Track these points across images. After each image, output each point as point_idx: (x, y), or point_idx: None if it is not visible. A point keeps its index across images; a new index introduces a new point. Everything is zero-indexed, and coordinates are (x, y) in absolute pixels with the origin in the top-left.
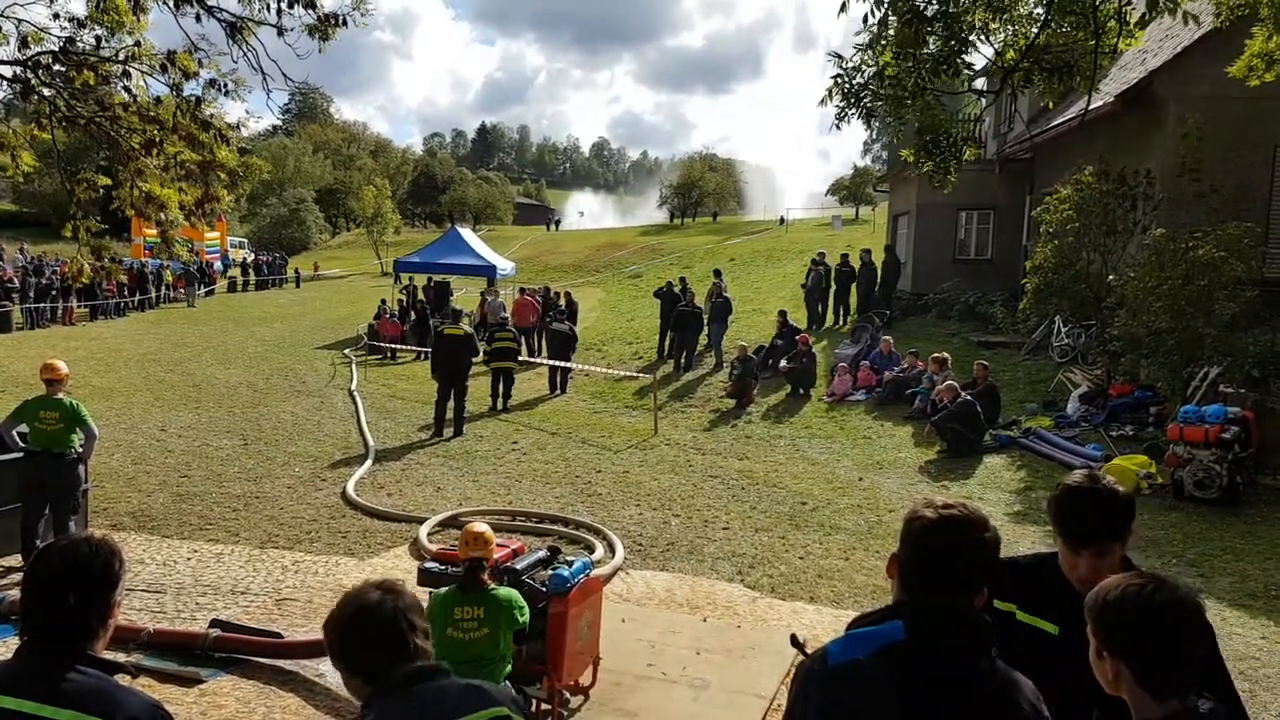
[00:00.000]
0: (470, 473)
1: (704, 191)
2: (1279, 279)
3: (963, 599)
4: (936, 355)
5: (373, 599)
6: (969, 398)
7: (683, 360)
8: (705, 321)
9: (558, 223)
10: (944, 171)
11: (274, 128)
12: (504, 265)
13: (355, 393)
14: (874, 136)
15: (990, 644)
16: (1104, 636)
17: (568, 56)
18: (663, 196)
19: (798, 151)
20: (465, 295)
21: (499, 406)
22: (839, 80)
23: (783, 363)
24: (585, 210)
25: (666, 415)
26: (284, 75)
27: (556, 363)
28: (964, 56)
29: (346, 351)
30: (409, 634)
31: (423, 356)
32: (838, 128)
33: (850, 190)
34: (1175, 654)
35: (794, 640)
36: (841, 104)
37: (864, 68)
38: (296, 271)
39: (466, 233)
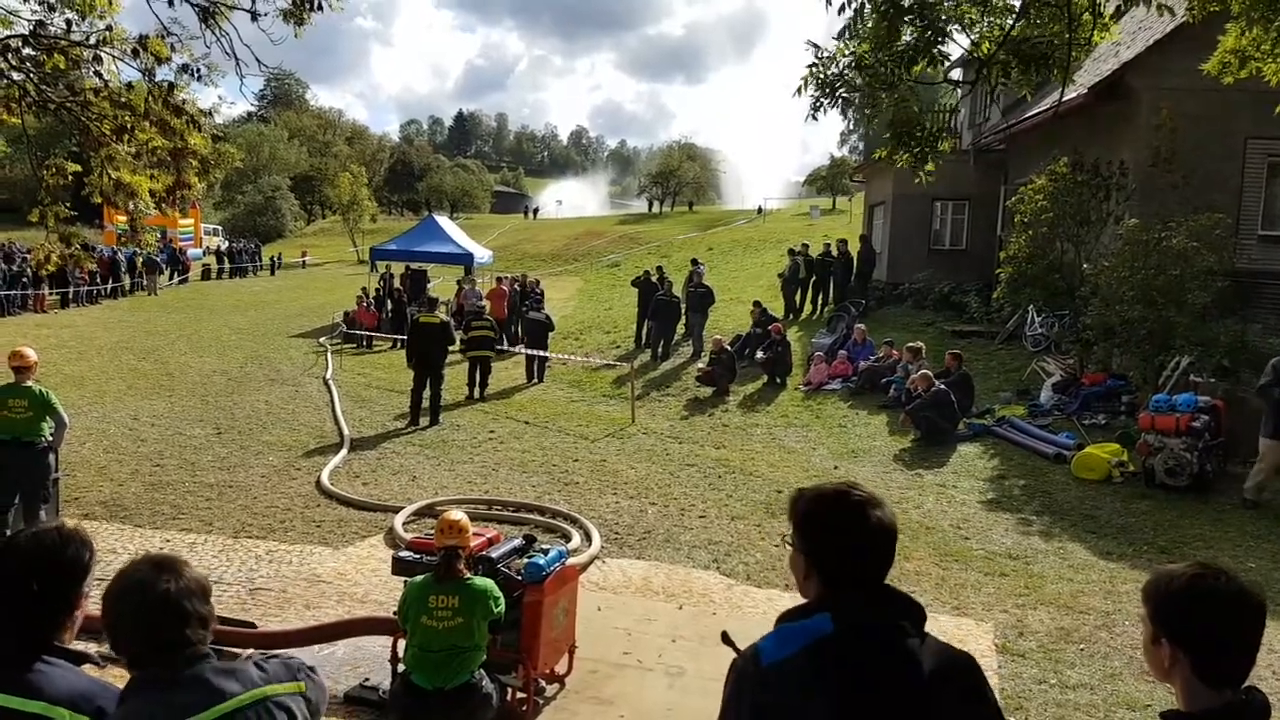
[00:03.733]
0: (446, 462)
1: (682, 181)
2: (1250, 269)
3: (877, 580)
4: (911, 344)
5: (142, 576)
6: (943, 387)
7: (660, 350)
8: (683, 310)
9: (535, 211)
10: (920, 162)
11: (248, 114)
12: (481, 254)
13: (330, 381)
14: (850, 127)
15: (920, 621)
16: (1163, 625)
17: (548, 43)
18: (641, 186)
19: (776, 142)
20: (442, 284)
21: (475, 395)
22: (814, 70)
23: (758, 354)
24: (563, 199)
25: (644, 404)
26: (258, 61)
27: (533, 351)
28: (940, 47)
29: (322, 340)
30: (181, 620)
31: (399, 345)
32: (814, 118)
33: (827, 180)
34: (1237, 646)
35: (725, 638)
36: (816, 94)
37: (840, 57)
38: (272, 259)
39: (444, 221)
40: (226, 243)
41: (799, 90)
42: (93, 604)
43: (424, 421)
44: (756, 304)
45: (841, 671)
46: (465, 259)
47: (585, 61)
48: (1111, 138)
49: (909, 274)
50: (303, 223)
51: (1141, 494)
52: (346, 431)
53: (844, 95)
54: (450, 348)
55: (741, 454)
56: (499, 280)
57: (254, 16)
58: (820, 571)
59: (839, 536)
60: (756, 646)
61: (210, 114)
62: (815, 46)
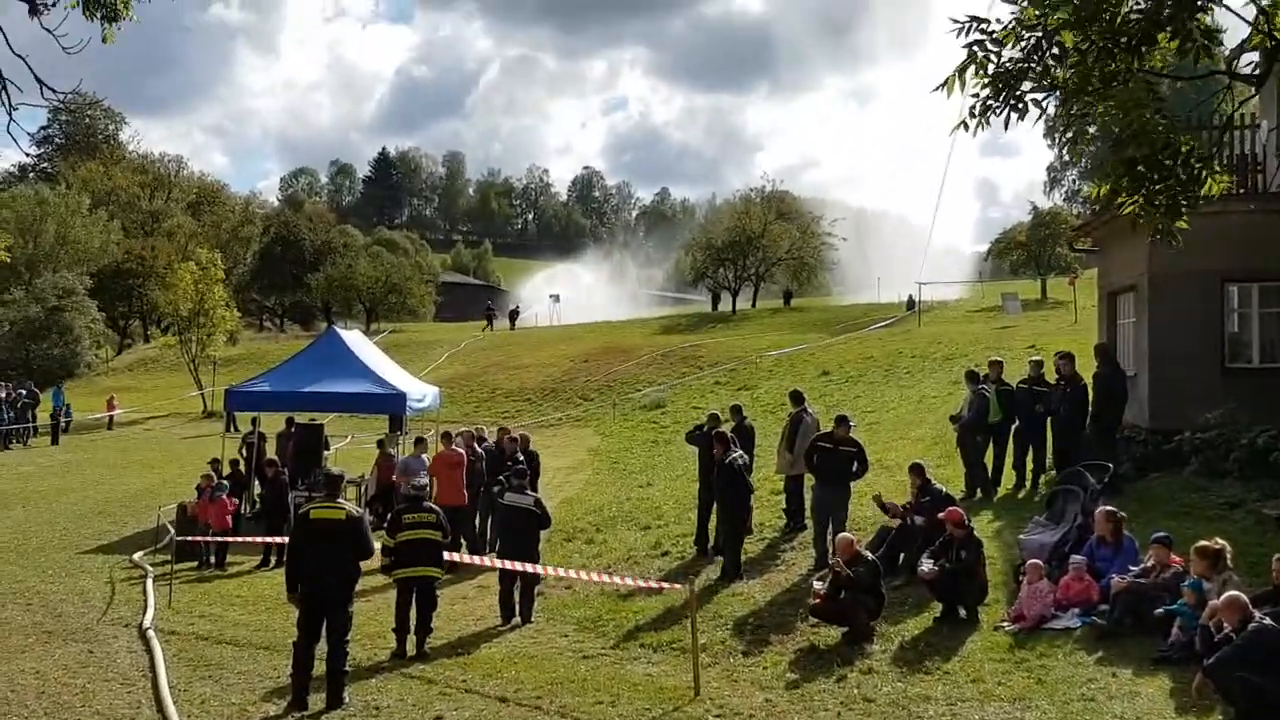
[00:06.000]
0: None
1: (771, 255)
2: None
3: None
4: (1205, 544)
5: None
6: (1270, 622)
7: (729, 556)
8: (746, 481)
9: (514, 315)
10: (1167, 213)
11: (20, 168)
12: (419, 393)
13: (151, 632)
14: (1064, 155)
15: None
16: None
17: (533, 36)
18: (698, 265)
19: (935, 186)
20: (351, 447)
21: (410, 650)
22: (976, 54)
23: (924, 563)
24: (563, 291)
25: (718, 660)
26: (39, 82)
27: (514, 564)
28: (1200, 17)
29: (137, 556)
30: None
31: (274, 560)
32: (966, 127)
33: (1029, 250)
34: None
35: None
36: (983, 92)
37: (1020, 33)
38: (58, 418)
39: (353, 338)
40: None
41: (949, 83)
42: None
43: (317, 703)
44: (917, 469)
45: None
46: (392, 403)
47: (597, 63)
48: None
49: (1191, 413)
50: (111, 350)
51: None
52: None
53: (1032, 95)
54: (365, 562)
55: None
56: (449, 438)
57: (34, 9)
58: None
59: None
60: None
61: None
62: (976, 20)
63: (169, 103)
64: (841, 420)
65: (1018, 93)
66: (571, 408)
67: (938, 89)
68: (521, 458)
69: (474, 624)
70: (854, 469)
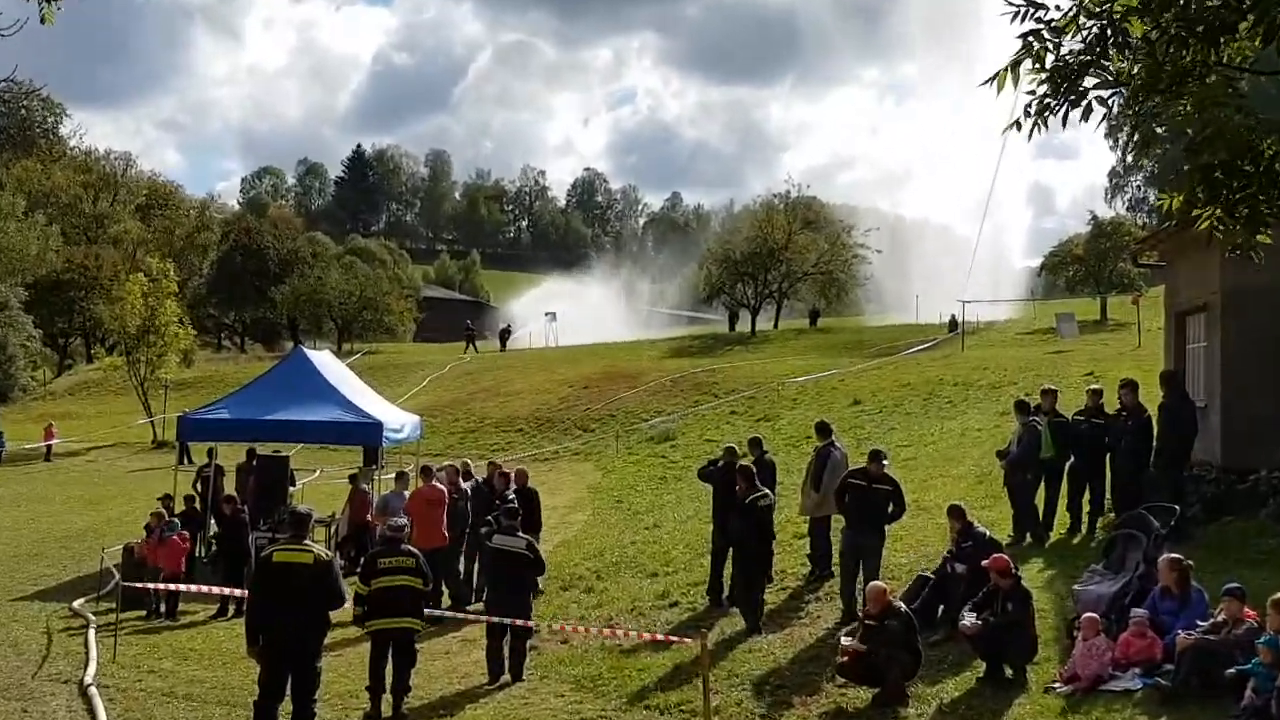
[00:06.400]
0: None
1: (795, 269)
2: None
3: None
4: None
5: None
6: None
7: (743, 609)
8: (770, 524)
9: (505, 335)
10: (1248, 226)
11: None
12: (397, 422)
13: (93, 690)
14: (1128, 159)
15: None
16: None
17: (529, 21)
18: (714, 280)
19: (982, 192)
20: (320, 482)
21: (385, 711)
22: (1032, 45)
23: (966, 616)
24: (559, 309)
25: None
26: None
27: (503, 616)
28: None
29: (78, 604)
30: None
31: (233, 609)
32: (1019, 127)
33: (1088, 265)
34: None
35: None
36: (1041, 87)
37: (1081, 22)
38: None
39: (323, 359)
40: None
41: (1000, 78)
42: None
43: None
44: (956, 512)
45: None
46: (366, 433)
47: (601, 51)
48: None
49: (1269, 449)
50: (49, 371)
51: None
52: None
53: (1091, 94)
54: (335, 612)
55: None
56: (428, 473)
57: None
58: None
59: None
60: None
61: None
62: (1032, 6)
63: (116, 93)
64: (875, 456)
65: (1079, 89)
66: (569, 439)
67: (987, 83)
68: (512, 495)
69: (458, 682)
70: (889, 510)
